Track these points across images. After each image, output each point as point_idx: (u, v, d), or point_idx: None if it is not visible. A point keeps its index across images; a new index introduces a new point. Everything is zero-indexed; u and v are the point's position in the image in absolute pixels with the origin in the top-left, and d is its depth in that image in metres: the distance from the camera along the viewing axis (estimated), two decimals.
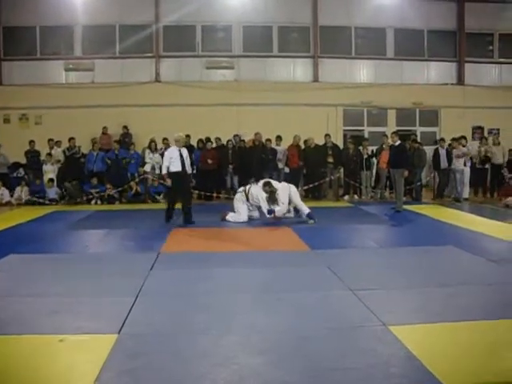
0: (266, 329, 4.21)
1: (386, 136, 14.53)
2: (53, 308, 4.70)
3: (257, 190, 10.41)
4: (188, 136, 15.22)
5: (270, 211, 10.06)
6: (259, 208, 10.46)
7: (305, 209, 10.38)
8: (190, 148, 15.37)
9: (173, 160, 9.99)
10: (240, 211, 10.43)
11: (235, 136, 15.65)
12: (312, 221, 10.16)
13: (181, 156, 10.03)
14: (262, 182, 10.65)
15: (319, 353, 3.72)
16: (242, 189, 10.82)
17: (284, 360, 3.60)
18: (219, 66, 18.80)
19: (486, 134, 18.77)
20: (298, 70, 19.24)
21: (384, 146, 14.60)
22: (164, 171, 10.21)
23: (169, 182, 10.17)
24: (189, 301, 4.98)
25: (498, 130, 19.11)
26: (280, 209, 10.15)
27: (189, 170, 10.48)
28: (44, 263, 6.72)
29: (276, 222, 10.11)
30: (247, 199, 10.47)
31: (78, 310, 4.70)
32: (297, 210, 10.65)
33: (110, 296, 5.13)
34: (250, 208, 10.60)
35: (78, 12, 18.04)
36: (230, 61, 18.83)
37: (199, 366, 3.52)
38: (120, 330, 4.13)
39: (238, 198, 10.59)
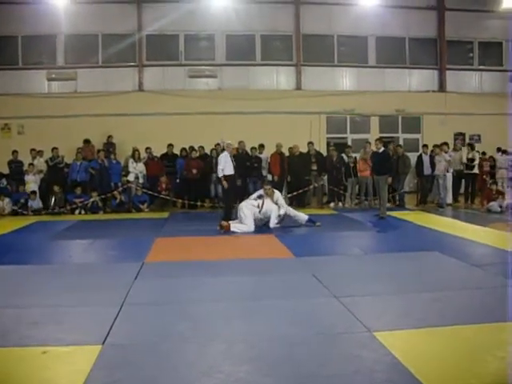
0: (251, 337, 4.20)
1: (369, 143, 14.63)
2: (35, 319, 4.63)
3: (267, 202, 10.38)
4: (171, 145, 15.21)
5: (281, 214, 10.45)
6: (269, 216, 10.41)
7: (302, 215, 10.71)
8: (173, 157, 15.38)
9: (227, 164, 11.13)
10: (246, 222, 10.07)
11: (217, 145, 15.50)
12: (319, 223, 10.46)
13: (232, 161, 11.31)
14: (259, 192, 10.85)
15: (304, 360, 3.71)
16: (254, 203, 10.34)
17: (269, 367, 3.58)
18: (202, 75, 18.91)
19: (467, 140, 18.98)
20: (280, 78, 19.37)
21: (360, 156, 14.76)
22: (221, 174, 11.17)
23: (226, 184, 11.13)
24: (173, 310, 4.94)
25: (479, 136, 19.39)
26: (286, 207, 10.72)
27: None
28: (27, 274, 6.61)
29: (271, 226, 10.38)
30: (259, 212, 10.27)
31: (62, 321, 4.63)
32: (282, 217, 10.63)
33: (93, 306, 5.07)
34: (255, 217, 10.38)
35: (61, 21, 17.93)
36: (213, 69, 18.91)
37: (184, 375, 3.50)
38: (104, 341, 4.08)
39: (250, 208, 10.22)
